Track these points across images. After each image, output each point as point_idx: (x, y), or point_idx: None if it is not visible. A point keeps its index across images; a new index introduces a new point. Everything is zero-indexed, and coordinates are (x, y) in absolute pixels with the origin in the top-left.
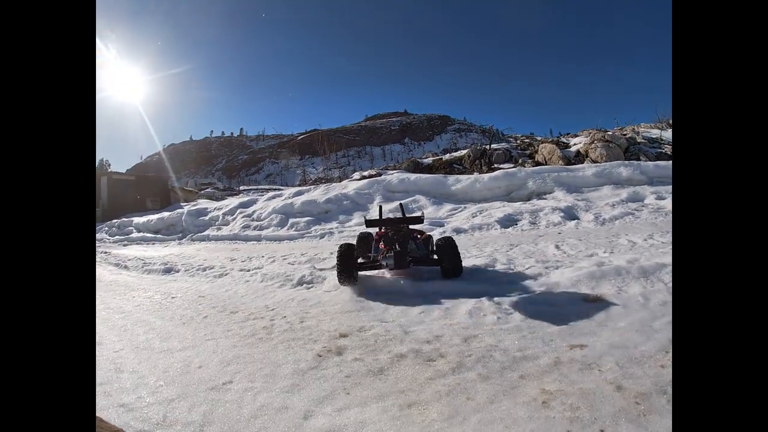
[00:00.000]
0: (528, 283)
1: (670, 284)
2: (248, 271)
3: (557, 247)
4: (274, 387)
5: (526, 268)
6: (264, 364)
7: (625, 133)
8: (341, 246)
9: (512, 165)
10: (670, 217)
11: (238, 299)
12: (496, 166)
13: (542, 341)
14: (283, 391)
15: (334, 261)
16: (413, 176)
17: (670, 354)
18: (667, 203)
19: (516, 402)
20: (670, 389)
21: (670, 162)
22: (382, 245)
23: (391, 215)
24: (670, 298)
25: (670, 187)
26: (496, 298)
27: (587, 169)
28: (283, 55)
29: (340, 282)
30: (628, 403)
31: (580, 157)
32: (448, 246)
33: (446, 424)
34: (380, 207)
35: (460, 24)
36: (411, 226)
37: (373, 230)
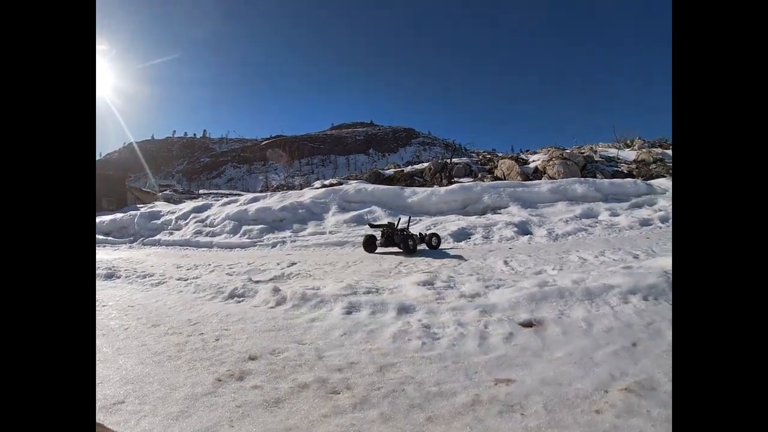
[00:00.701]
0: (462, 303)
1: (617, 307)
2: (186, 280)
3: (506, 263)
4: (161, 412)
5: (465, 287)
6: (162, 386)
7: (582, 151)
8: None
9: (472, 179)
10: (622, 234)
11: (164, 311)
12: (456, 179)
13: (465, 374)
14: (168, 418)
15: (275, 272)
16: (370, 187)
17: (609, 394)
18: (621, 219)
19: None
20: None
21: (625, 180)
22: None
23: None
24: (615, 324)
25: (624, 203)
26: (425, 320)
27: (543, 185)
28: (250, 59)
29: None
30: None
31: (538, 174)
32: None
33: None
34: (399, 218)
35: (429, 39)
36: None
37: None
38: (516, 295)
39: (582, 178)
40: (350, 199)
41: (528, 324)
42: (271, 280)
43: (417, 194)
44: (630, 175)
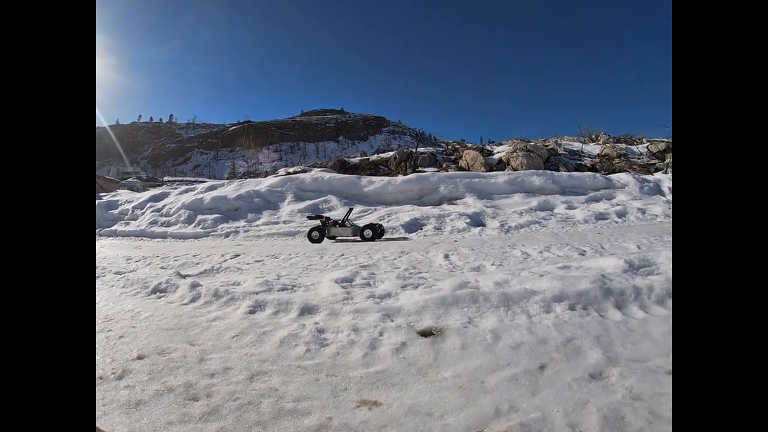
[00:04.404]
0: (368, 305)
1: (535, 318)
2: (121, 274)
3: (447, 257)
4: None
5: (381, 287)
6: None
7: (547, 144)
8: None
9: (436, 169)
10: (576, 228)
11: None
12: (420, 169)
13: (332, 390)
14: None
15: (209, 265)
16: (327, 175)
17: None
18: (577, 213)
19: None
20: None
21: (584, 173)
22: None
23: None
24: (527, 339)
25: (582, 197)
26: (322, 324)
27: (500, 176)
28: (217, 41)
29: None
30: None
31: (502, 165)
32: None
33: None
34: (350, 209)
35: (401, 29)
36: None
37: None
38: (427, 297)
39: (540, 170)
40: (306, 188)
41: (427, 333)
42: (200, 274)
43: (373, 184)
44: (593, 168)
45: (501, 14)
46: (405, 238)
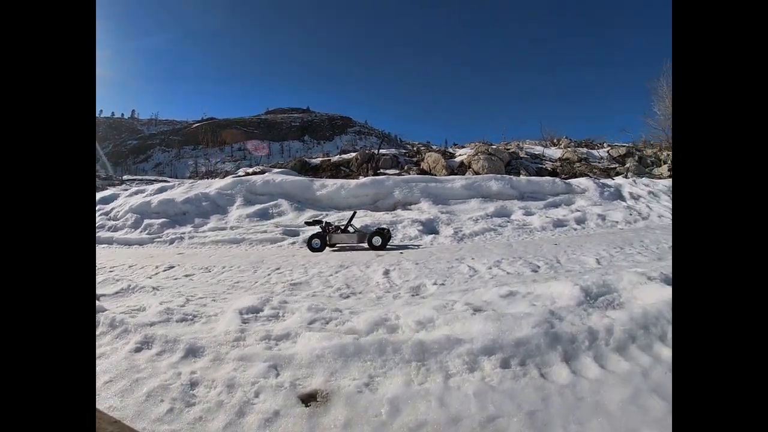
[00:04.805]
0: (259, 350)
1: (453, 380)
2: None
3: (386, 273)
4: None
5: (284, 323)
6: None
7: (509, 147)
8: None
9: (398, 171)
10: (532, 236)
11: None
12: (382, 171)
13: None
14: None
15: (132, 282)
16: (279, 178)
17: None
18: (534, 219)
19: None
20: None
21: (543, 178)
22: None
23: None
24: (433, 415)
25: (540, 202)
26: (200, 373)
27: (456, 181)
28: (182, 35)
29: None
30: None
31: (463, 168)
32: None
33: None
34: (354, 213)
35: (370, 29)
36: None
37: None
38: (326, 345)
39: (499, 175)
40: (257, 191)
41: (311, 397)
42: (115, 294)
43: (326, 187)
44: (554, 172)
45: (471, 14)
46: (354, 248)
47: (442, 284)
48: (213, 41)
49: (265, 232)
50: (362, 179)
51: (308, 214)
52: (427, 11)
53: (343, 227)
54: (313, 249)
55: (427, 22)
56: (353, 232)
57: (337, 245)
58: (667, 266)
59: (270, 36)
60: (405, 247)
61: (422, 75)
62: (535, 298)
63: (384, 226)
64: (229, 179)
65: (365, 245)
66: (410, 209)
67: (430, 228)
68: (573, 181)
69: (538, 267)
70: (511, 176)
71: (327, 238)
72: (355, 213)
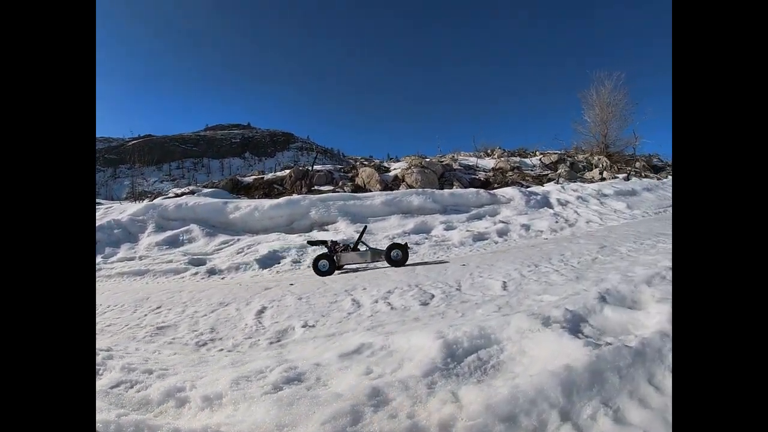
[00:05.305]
0: None
1: None
2: None
3: (261, 312)
4: None
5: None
6: None
7: (443, 160)
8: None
9: (332, 188)
10: (449, 253)
11: None
12: (316, 188)
13: None
14: None
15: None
16: (192, 201)
17: None
18: (454, 234)
19: None
20: None
21: (467, 190)
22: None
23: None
24: None
25: (463, 215)
26: None
27: (376, 197)
28: (115, 47)
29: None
30: None
31: (397, 182)
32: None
33: None
34: (365, 226)
35: (311, 44)
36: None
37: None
38: None
39: (420, 189)
40: (169, 216)
41: None
42: None
43: (240, 210)
44: (486, 182)
45: (410, 29)
46: (253, 277)
47: (313, 326)
48: (148, 53)
49: (171, 261)
50: (278, 200)
51: (219, 240)
52: (369, 14)
53: (352, 245)
54: (320, 272)
55: (367, 41)
56: (365, 250)
57: (346, 266)
58: (581, 295)
59: (209, 47)
60: (306, 275)
61: (365, 92)
62: (385, 356)
63: (400, 241)
64: (142, 204)
65: (379, 264)
66: (327, 230)
67: None
68: (498, 191)
69: (432, 297)
70: (434, 190)
71: (336, 259)
72: (365, 228)
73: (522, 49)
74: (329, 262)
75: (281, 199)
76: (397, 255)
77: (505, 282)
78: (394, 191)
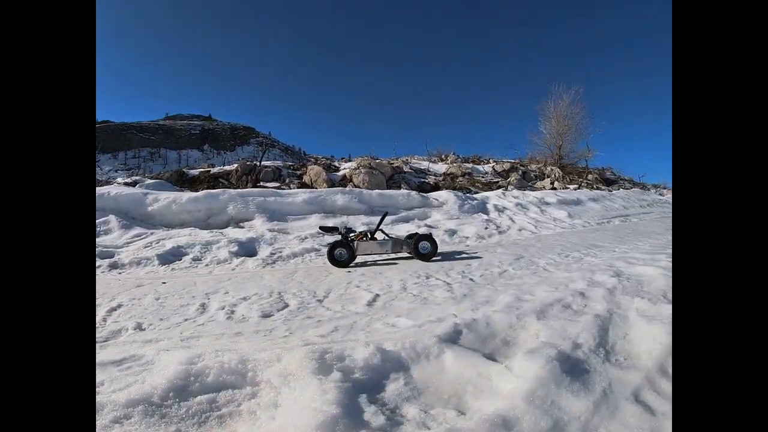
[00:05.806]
0: None
1: None
2: None
3: (112, 310)
4: None
5: None
6: None
7: (393, 162)
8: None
9: (279, 184)
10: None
11: None
12: (262, 184)
13: None
14: None
15: None
16: (114, 191)
17: None
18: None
19: None
20: None
21: (397, 191)
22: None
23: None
24: None
25: (388, 217)
26: None
27: (299, 195)
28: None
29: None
30: None
31: (344, 181)
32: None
33: None
34: (384, 215)
35: (280, 38)
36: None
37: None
38: None
39: (347, 189)
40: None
41: None
42: None
43: (158, 201)
44: (436, 186)
45: (380, 30)
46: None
47: (144, 330)
48: (109, 36)
49: None
50: (196, 193)
51: (133, 233)
52: (338, 15)
53: (371, 234)
54: (337, 262)
55: (339, 26)
56: (388, 240)
57: (362, 256)
58: (440, 324)
59: (172, 34)
60: (211, 274)
61: (330, 91)
62: (138, 370)
63: (426, 231)
64: None
65: (402, 254)
66: (242, 227)
67: (248, 249)
68: (432, 194)
69: (284, 307)
70: (362, 189)
71: (354, 247)
72: (386, 214)
73: (490, 58)
74: (346, 250)
75: (200, 193)
76: (425, 248)
77: (377, 295)
78: (319, 189)
